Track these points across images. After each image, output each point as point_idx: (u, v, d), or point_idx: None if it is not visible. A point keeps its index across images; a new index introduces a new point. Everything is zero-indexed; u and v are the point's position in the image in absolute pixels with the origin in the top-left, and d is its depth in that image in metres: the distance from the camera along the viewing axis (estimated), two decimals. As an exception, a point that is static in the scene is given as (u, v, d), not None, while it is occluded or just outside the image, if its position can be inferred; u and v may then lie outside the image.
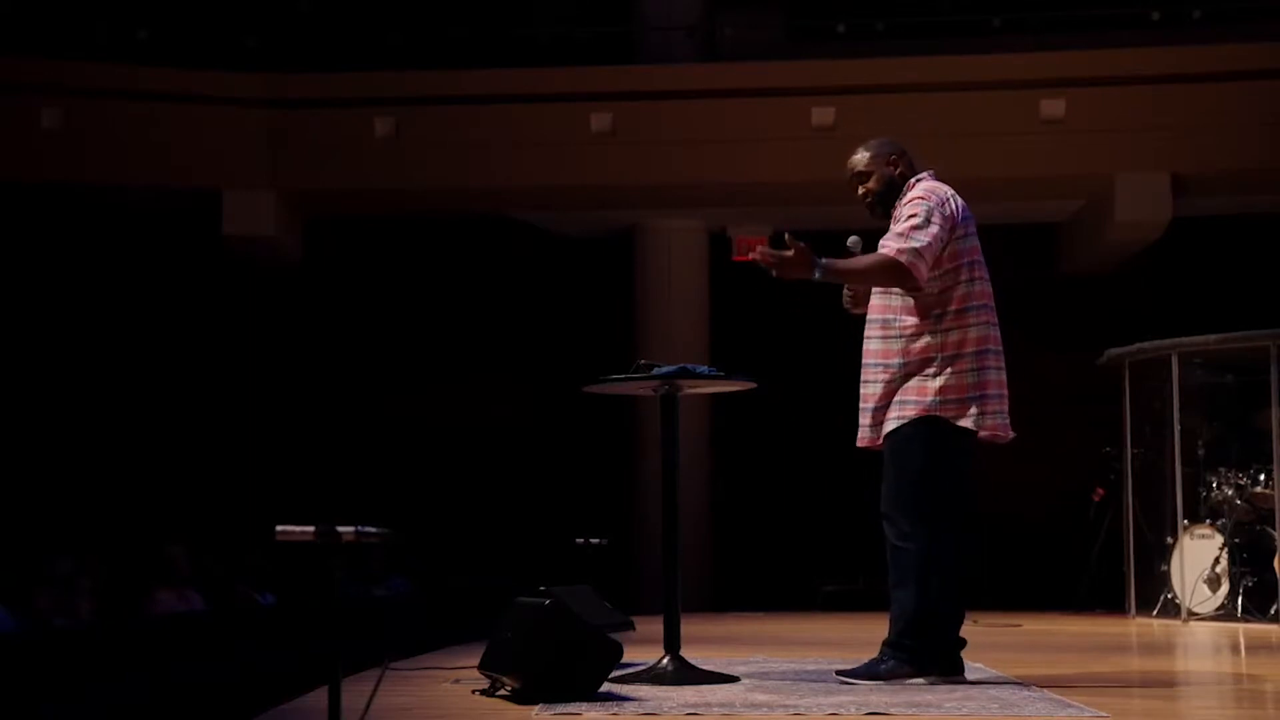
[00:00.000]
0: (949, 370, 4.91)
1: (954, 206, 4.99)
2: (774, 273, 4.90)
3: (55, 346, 13.73)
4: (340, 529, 3.21)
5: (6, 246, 13.40)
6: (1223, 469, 10.07)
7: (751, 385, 5.23)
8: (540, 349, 14.11)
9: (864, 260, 4.98)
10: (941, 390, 4.91)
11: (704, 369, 5.32)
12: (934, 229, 4.90)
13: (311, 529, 3.20)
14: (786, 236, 4.91)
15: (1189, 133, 12.33)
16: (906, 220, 4.94)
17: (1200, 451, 10.26)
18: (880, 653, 4.93)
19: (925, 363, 4.93)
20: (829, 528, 13.21)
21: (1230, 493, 9.91)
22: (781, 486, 13.81)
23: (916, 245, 4.87)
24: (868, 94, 12.30)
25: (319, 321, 14.23)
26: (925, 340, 4.94)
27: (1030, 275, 13.43)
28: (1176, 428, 10.22)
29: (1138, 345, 10.68)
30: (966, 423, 4.90)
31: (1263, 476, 9.78)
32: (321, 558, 3.22)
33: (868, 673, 4.88)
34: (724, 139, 12.58)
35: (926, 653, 4.89)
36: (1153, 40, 12.94)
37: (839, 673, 4.99)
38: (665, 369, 5.09)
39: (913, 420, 4.93)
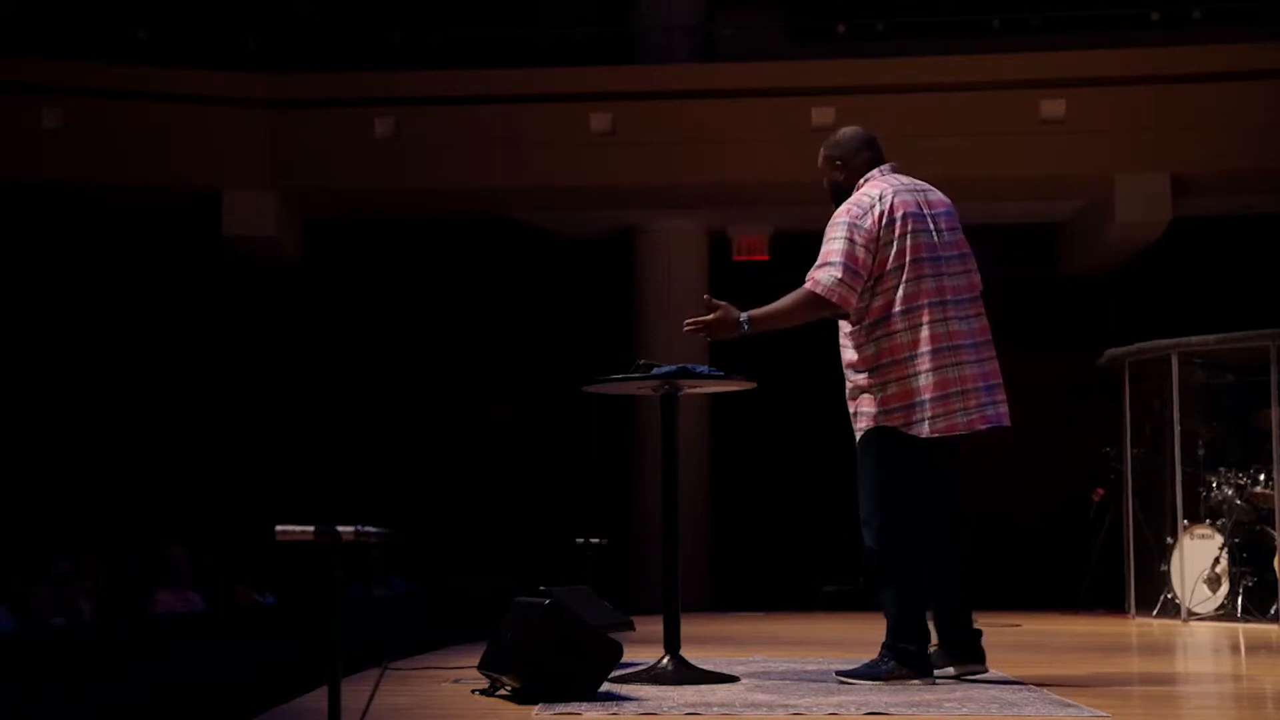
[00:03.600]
0: (892, 378, 4.89)
1: (877, 214, 4.91)
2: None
3: (55, 347, 13.74)
4: (340, 529, 3.21)
5: (6, 246, 13.41)
6: (1223, 469, 10.06)
7: (751, 385, 5.24)
8: (540, 349, 14.11)
9: (786, 302, 4.94)
10: (885, 400, 4.90)
11: (704, 369, 5.32)
12: (857, 249, 4.85)
13: (311, 529, 3.20)
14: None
15: (1189, 133, 12.34)
16: (825, 244, 4.93)
17: (1200, 451, 10.25)
18: (880, 654, 4.93)
19: (870, 371, 4.94)
20: (828, 528, 13.20)
21: (1230, 493, 9.90)
22: (781, 487, 13.81)
23: (835, 274, 4.84)
24: (868, 94, 12.29)
25: (319, 322, 14.23)
26: (867, 349, 4.94)
27: (1030, 275, 13.44)
28: (1176, 428, 10.21)
29: (1138, 345, 10.67)
30: (913, 430, 4.88)
31: (1263, 476, 9.77)
32: (321, 558, 3.21)
33: (869, 673, 4.88)
34: (724, 139, 12.58)
35: (940, 649, 4.93)
36: (1153, 40, 12.94)
37: (839, 674, 4.99)
38: (665, 369, 5.08)
39: (866, 432, 4.97)
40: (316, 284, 14.14)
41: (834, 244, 4.90)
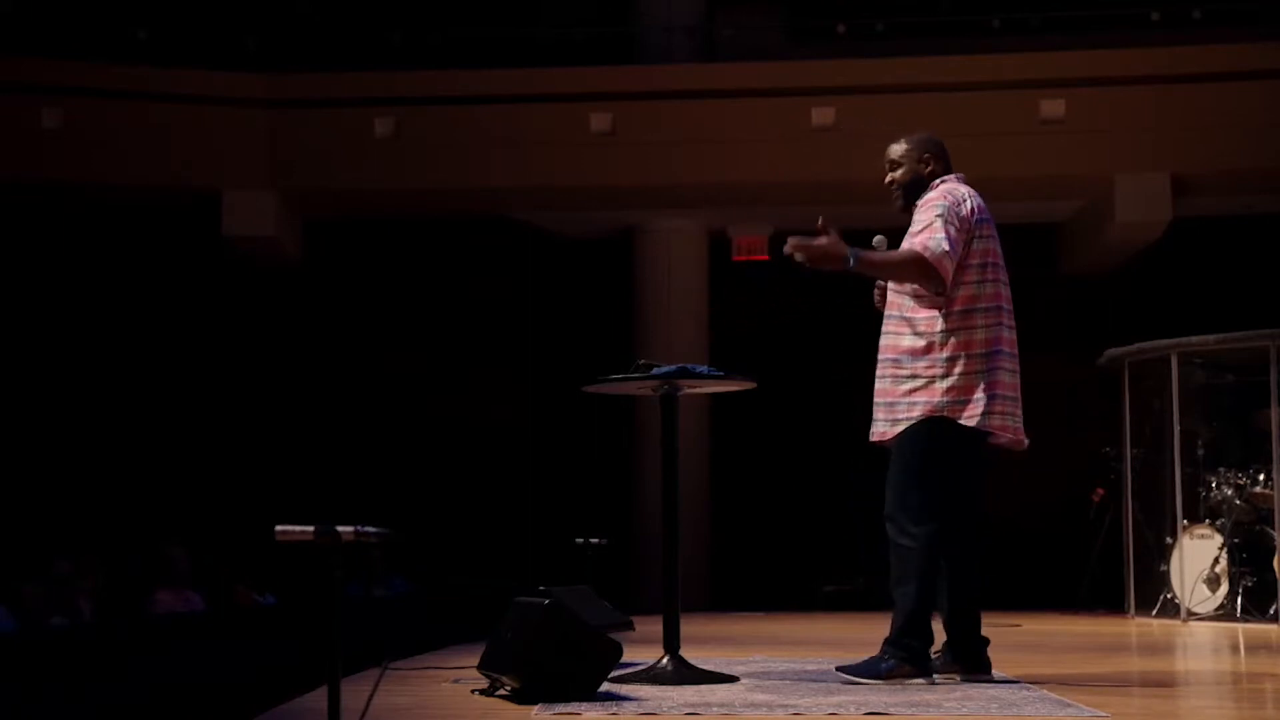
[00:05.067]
0: (956, 371, 4.91)
1: (970, 207, 5.01)
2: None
3: (55, 346, 13.73)
4: (340, 529, 3.21)
5: (7, 246, 13.41)
6: (1223, 469, 10.06)
7: (750, 385, 5.24)
8: (540, 349, 14.11)
9: (895, 255, 4.98)
10: (948, 390, 4.92)
11: (703, 369, 5.33)
12: (952, 230, 4.92)
13: (311, 529, 3.20)
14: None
15: (1189, 133, 12.34)
16: (927, 222, 4.96)
17: (1200, 451, 10.25)
18: (881, 651, 4.93)
19: (932, 363, 4.94)
20: (829, 528, 13.21)
21: (1230, 493, 9.90)
22: (781, 487, 13.81)
23: (944, 246, 4.89)
24: (868, 94, 12.30)
25: (319, 322, 14.23)
26: (933, 339, 4.95)
27: (1030, 275, 13.39)
28: (1176, 428, 10.21)
29: (1138, 345, 10.67)
30: (972, 422, 4.91)
31: (1262, 476, 9.77)
32: (321, 558, 3.21)
33: (868, 670, 4.88)
34: (724, 139, 12.58)
35: (945, 653, 4.95)
36: (1153, 40, 12.94)
37: (839, 668, 5.00)
38: (665, 369, 5.09)
39: (919, 420, 4.94)
40: (316, 284, 14.14)
41: (935, 222, 4.94)
